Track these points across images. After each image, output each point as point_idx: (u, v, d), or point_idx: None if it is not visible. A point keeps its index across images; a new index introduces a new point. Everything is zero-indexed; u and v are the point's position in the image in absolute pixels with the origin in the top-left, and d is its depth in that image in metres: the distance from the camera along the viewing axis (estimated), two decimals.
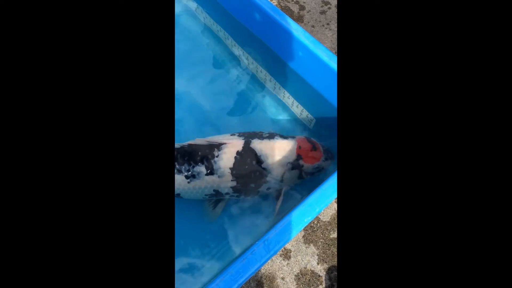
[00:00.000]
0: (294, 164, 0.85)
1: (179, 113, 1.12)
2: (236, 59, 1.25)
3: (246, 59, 1.23)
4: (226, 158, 0.85)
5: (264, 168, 0.85)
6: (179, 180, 0.88)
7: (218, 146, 0.86)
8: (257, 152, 0.85)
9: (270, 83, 1.18)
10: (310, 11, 1.68)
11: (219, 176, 0.85)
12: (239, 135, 0.91)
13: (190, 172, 0.86)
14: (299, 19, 1.65)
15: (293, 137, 0.90)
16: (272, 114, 1.13)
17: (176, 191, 0.90)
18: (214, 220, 0.94)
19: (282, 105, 1.15)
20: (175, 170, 0.87)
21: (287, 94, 1.14)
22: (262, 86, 1.19)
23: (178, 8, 1.35)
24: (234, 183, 0.85)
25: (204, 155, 0.86)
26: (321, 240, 1.11)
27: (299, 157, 0.86)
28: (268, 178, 0.85)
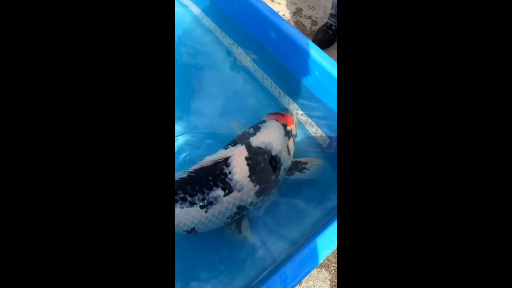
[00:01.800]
0: (286, 133, 0.93)
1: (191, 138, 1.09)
2: (250, 74, 1.23)
3: (261, 75, 1.21)
4: (240, 169, 0.82)
5: (275, 155, 0.87)
6: (194, 213, 0.81)
7: (225, 161, 0.82)
8: (262, 146, 0.86)
9: (284, 99, 1.16)
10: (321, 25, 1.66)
11: (239, 190, 0.82)
12: (234, 144, 0.88)
13: (206, 201, 0.80)
14: (311, 34, 1.63)
15: (268, 116, 0.97)
16: None
17: (190, 225, 0.83)
18: (246, 242, 0.90)
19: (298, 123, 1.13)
20: (187, 203, 0.80)
21: (300, 112, 1.11)
22: (276, 101, 1.17)
23: (200, 32, 1.32)
24: (256, 188, 0.84)
25: (216, 176, 0.82)
26: (333, 264, 1.07)
27: (284, 125, 0.93)
28: (281, 160, 0.88)
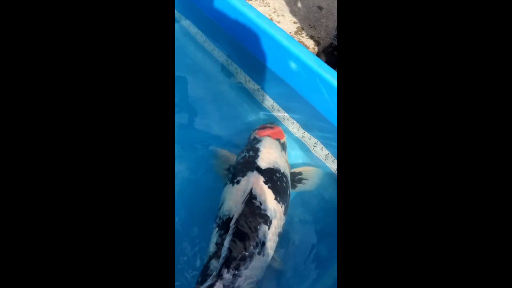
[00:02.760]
0: (283, 147, 0.96)
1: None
2: (248, 94, 1.14)
3: (261, 95, 1.11)
4: (266, 194, 0.80)
5: (283, 172, 0.87)
6: (257, 264, 0.73)
7: (251, 194, 0.78)
8: (270, 166, 0.85)
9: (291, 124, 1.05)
10: (325, 46, 1.56)
11: (275, 217, 0.79)
12: (243, 173, 0.83)
13: (259, 244, 0.74)
14: None
15: (258, 131, 0.97)
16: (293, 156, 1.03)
17: (259, 276, 0.75)
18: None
19: (301, 144, 1.04)
20: (249, 259, 0.72)
21: (307, 135, 1.02)
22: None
23: (195, 51, 1.23)
24: (283, 208, 0.83)
25: (253, 214, 0.76)
26: None
27: (278, 140, 0.95)
28: (288, 175, 0.89)
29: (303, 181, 0.94)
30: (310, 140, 1.04)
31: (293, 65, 0.93)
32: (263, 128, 0.98)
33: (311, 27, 1.66)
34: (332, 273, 0.85)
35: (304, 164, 1.00)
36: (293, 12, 1.72)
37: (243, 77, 1.15)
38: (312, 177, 0.95)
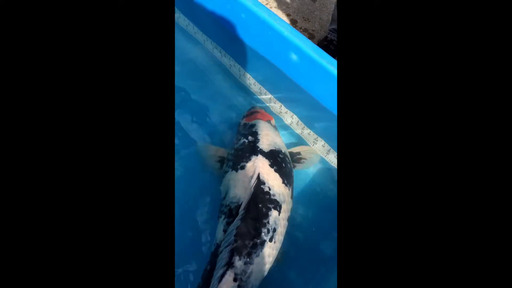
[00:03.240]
0: (275, 128, 0.97)
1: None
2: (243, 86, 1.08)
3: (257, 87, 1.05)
4: (273, 178, 0.77)
5: (284, 152, 0.86)
6: (269, 251, 0.70)
7: (259, 179, 0.75)
8: (272, 148, 0.83)
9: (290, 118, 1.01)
10: (320, 39, 1.52)
11: (284, 201, 0.77)
12: (246, 158, 0.80)
13: (271, 230, 0.71)
14: None
15: (247, 118, 0.95)
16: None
17: (271, 265, 0.72)
18: None
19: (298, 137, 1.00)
20: (259, 246, 0.69)
21: (306, 131, 0.99)
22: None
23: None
24: (290, 191, 0.81)
25: (264, 200, 0.73)
26: None
27: (269, 121, 0.95)
28: (287, 154, 0.88)
29: (302, 160, 0.92)
30: (309, 135, 0.99)
31: (294, 56, 0.88)
32: (251, 113, 0.97)
33: (305, 20, 1.61)
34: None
35: (297, 144, 0.98)
36: (286, 4, 1.66)
37: (237, 70, 1.09)
38: (310, 156, 0.94)
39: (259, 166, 0.77)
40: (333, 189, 0.93)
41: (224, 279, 0.62)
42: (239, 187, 0.76)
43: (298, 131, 1.01)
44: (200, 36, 1.16)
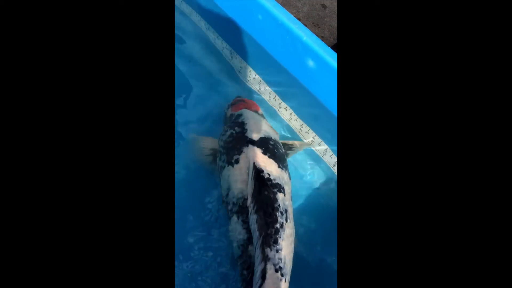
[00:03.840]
0: (262, 116, 0.96)
1: None
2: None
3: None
4: (270, 164, 0.78)
5: (274, 139, 0.86)
6: (289, 232, 0.72)
7: (256, 169, 0.75)
8: (262, 136, 0.83)
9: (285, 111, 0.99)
10: (330, 47, 1.47)
11: (286, 183, 0.78)
12: (238, 151, 0.79)
13: (284, 213, 0.72)
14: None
15: (234, 108, 0.93)
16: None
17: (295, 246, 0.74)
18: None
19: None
20: (280, 231, 0.70)
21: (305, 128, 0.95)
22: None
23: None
24: (287, 174, 0.81)
25: (268, 186, 0.73)
26: None
27: (256, 111, 0.94)
28: (278, 141, 0.88)
29: (293, 148, 0.93)
30: (308, 134, 0.93)
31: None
32: (236, 102, 0.95)
33: (315, 25, 1.56)
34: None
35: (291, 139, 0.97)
36: (296, 8, 1.62)
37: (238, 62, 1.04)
38: (302, 148, 0.95)
39: (253, 156, 0.77)
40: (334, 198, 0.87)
41: (267, 275, 0.64)
42: (239, 181, 0.75)
43: (297, 128, 0.95)
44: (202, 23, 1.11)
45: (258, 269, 0.65)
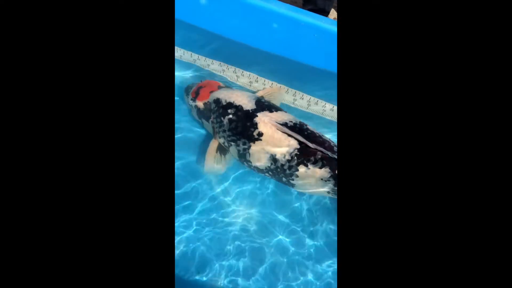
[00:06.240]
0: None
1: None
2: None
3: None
4: (279, 116, 0.84)
5: (257, 96, 0.90)
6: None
7: (282, 125, 0.81)
8: (252, 100, 0.86)
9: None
10: None
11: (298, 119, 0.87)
12: (242, 129, 0.83)
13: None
14: None
15: (201, 89, 0.93)
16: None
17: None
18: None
19: None
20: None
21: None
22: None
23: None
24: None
25: (302, 125, 0.85)
26: None
27: (220, 87, 0.94)
28: (257, 93, 0.97)
29: (274, 94, 0.98)
30: (302, 100, 1.02)
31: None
32: (197, 90, 0.93)
33: None
34: None
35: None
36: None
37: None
38: (277, 92, 1.00)
39: (267, 120, 0.81)
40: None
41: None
42: (275, 145, 0.79)
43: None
44: None
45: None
